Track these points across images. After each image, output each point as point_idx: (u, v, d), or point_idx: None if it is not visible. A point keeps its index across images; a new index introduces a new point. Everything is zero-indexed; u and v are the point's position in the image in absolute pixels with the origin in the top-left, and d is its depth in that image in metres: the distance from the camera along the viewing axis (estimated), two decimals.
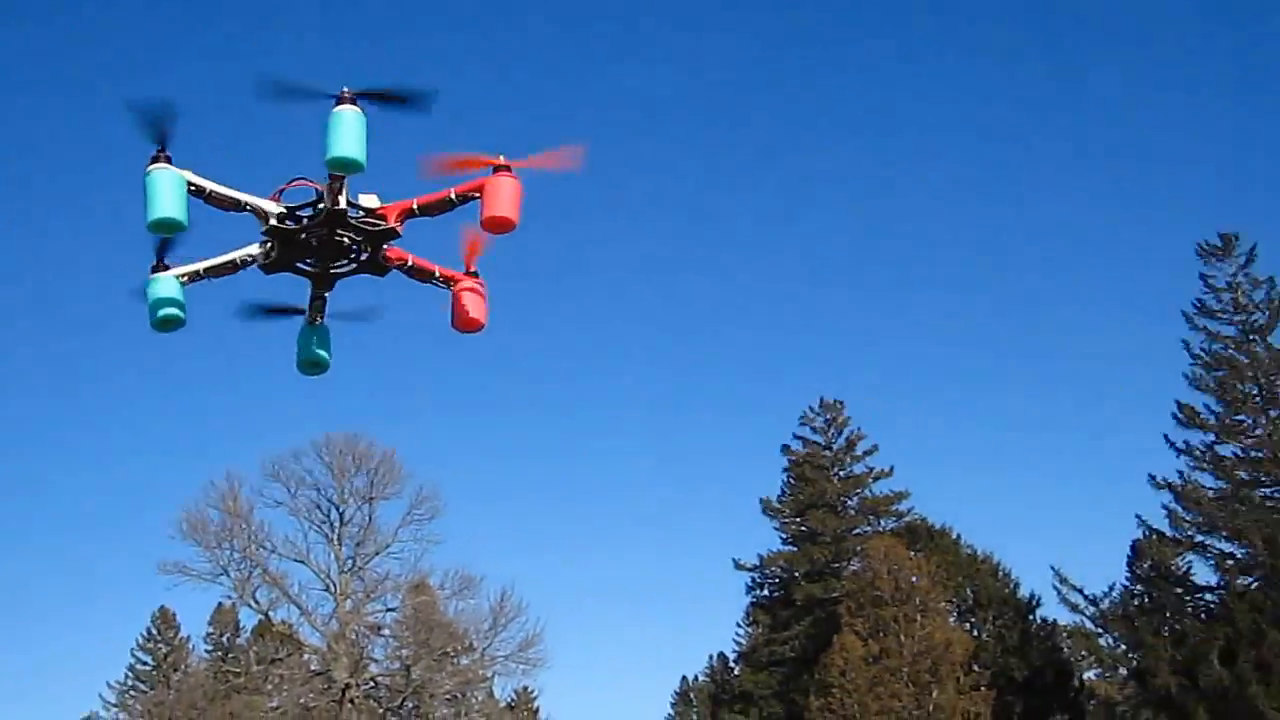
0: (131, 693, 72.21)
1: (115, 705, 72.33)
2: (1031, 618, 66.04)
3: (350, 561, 54.10)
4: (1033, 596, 66.39)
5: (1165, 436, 56.72)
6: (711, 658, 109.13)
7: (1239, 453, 56.46)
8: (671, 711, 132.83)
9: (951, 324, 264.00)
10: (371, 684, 54.54)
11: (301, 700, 53.15)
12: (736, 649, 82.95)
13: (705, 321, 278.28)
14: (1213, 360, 56.36)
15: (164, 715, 56.62)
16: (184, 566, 51.91)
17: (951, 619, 61.48)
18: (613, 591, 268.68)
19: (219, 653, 73.74)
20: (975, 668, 58.58)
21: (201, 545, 52.30)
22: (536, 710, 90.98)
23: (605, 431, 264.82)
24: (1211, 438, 56.31)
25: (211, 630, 77.66)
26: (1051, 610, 64.05)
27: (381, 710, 54.51)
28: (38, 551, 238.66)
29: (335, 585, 53.58)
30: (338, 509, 53.88)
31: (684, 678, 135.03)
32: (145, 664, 74.82)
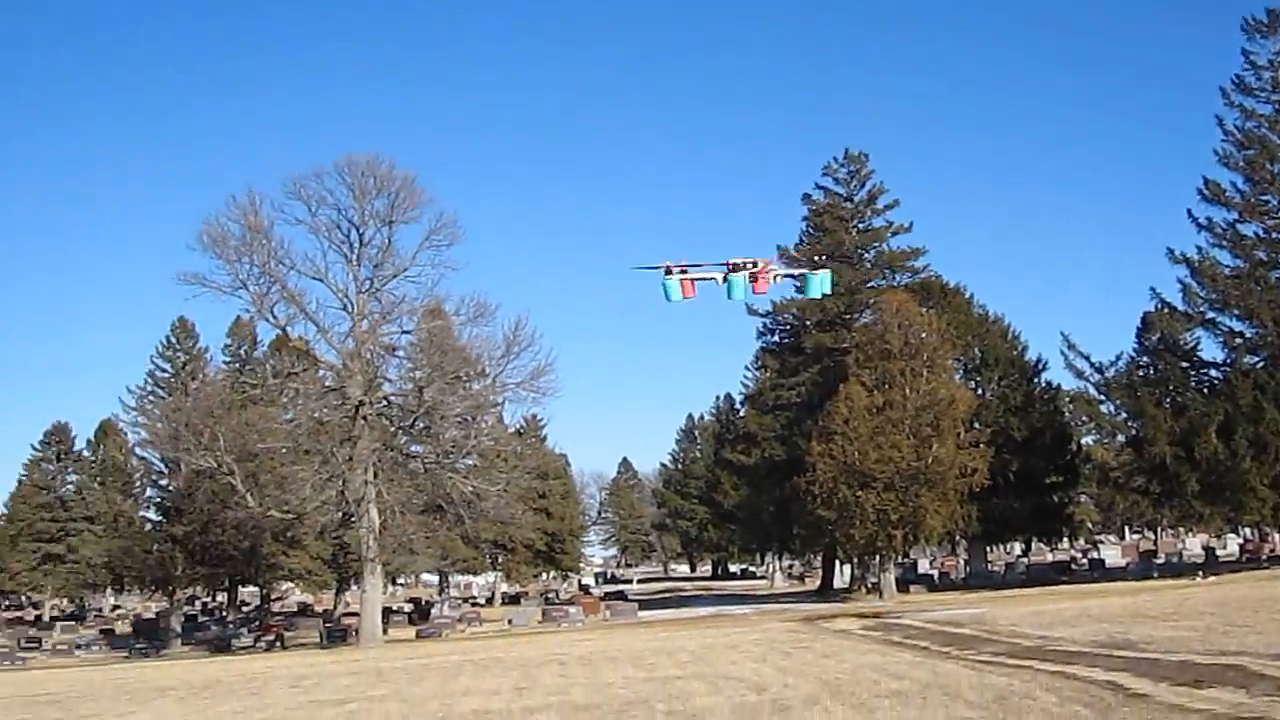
0: (150, 398, 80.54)
1: (134, 409, 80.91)
2: (1036, 380, 74.66)
3: (368, 282, 59.86)
4: (1039, 360, 75.43)
5: (1188, 211, 63.68)
6: (718, 398, 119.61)
7: (1260, 233, 63.15)
8: (676, 448, 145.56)
9: (980, 82, 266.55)
10: (385, 403, 61.64)
11: (315, 414, 60.39)
12: (743, 391, 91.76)
13: (741, 58, 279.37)
14: (1245, 138, 62.17)
15: (181, 421, 63.04)
16: (203, 278, 57.19)
17: (957, 376, 69.48)
18: (624, 329, 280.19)
19: (236, 364, 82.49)
20: (976, 425, 66.96)
21: (221, 258, 57.61)
22: (544, 438, 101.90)
23: (623, 162, 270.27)
24: (1234, 215, 63.01)
25: (229, 342, 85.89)
26: (1057, 375, 72.66)
27: (394, 428, 61.82)
28: (65, 253, 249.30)
29: (352, 305, 59.47)
30: (357, 230, 59.24)
31: (690, 416, 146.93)
32: (164, 371, 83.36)
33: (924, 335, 65.05)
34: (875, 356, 65.28)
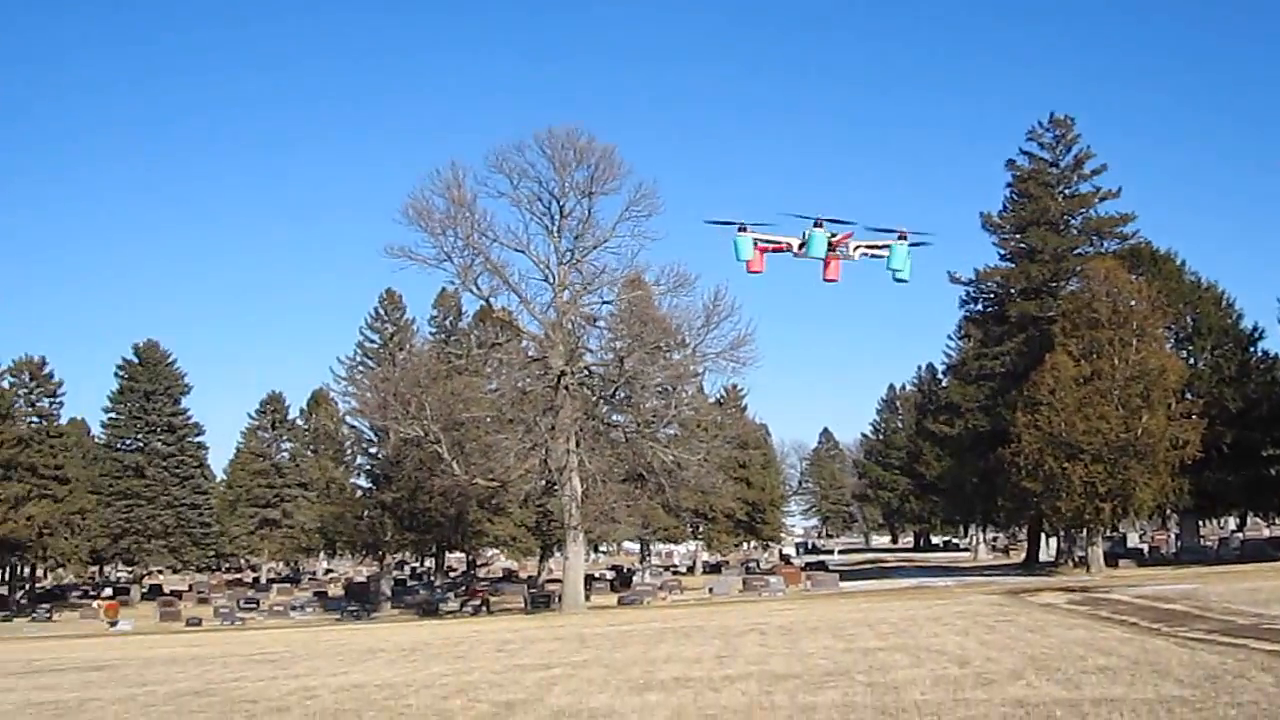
0: (360, 369, 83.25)
1: (344, 379, 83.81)
2: (1252, 350, 72.14)
3: (569, 253, 60.47)
4: (1256, 329, 72.71)
5: None
6: (920, 368, 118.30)
7: None
8: (877, 418, 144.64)
9: (1191, 44, 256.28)
10: (586, 372, 62.56)
11: (519, 384, 62.12)
12: (946, 361, 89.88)
13: (944, 24, 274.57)
14: None
15: (389, 391, 64.87)
16: (409, 251, 58.52)
17: (1168, 345, 67.20)
18: (824, 298, 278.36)
19: (441, 335, 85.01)
20: (1188, 396, 65.25)
21: (426, 231, 59.07)
22: (744, 407, 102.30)
23: (825, 135, 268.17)
24: None
25: (435, 313, 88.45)
26: (1275, 344, 70.23)
27: (595, 398, 62.79)
28: (282, 231, 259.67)
29: (554, 276, 60.21)
30: (558, 201, 59.81)
31: (891, 386, 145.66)
32: (373, 342, 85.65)
33: (1133, 303, 63.54)
34: (1082, 325, 63.81)
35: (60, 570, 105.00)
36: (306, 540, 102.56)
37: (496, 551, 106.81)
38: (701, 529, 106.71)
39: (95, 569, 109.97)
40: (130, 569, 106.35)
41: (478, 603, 68.12)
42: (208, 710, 17.74)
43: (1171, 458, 60.95)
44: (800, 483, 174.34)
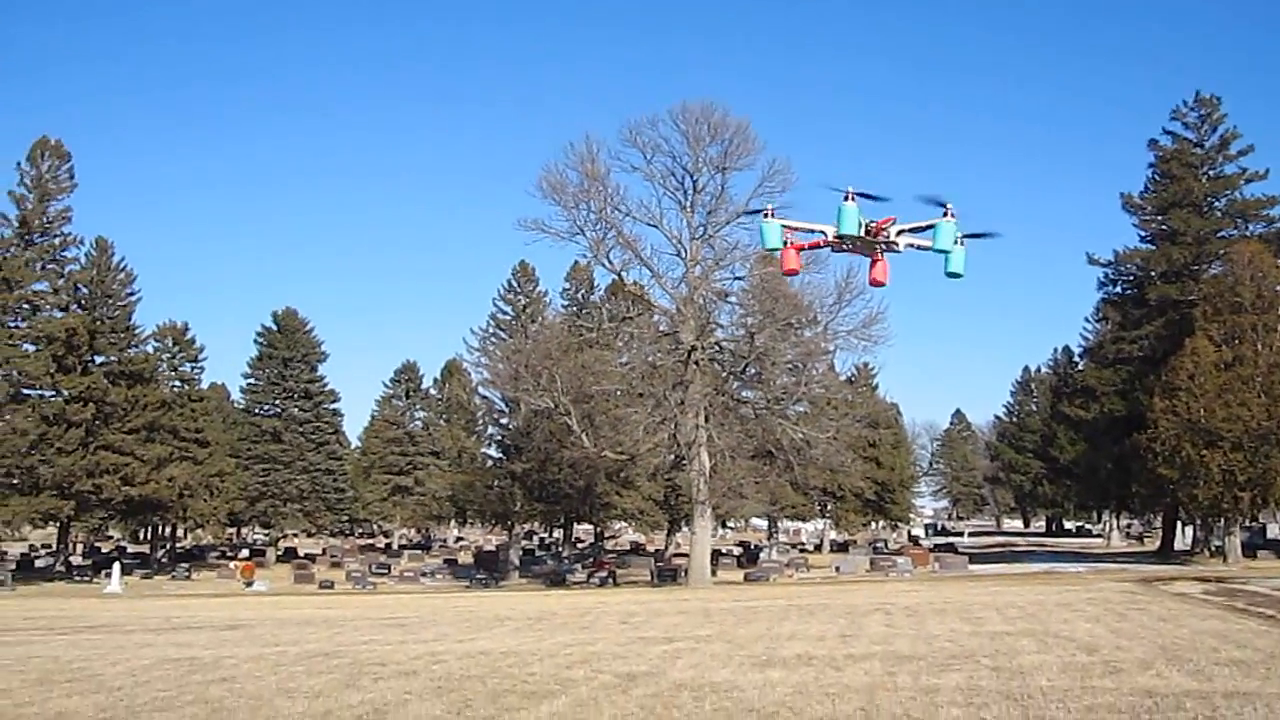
0: (492, 340, 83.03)
1: (477, 350, 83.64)
2: None
3: (701, 229, 60.72)
4: None
5: None
6: (1056, 351, 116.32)
7: None
8: (1011, 400, 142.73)
9: None
10: (716, 348, 62.76)
11: (649, 358, 62.41)
12: (1083, 344, 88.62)
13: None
14: None
15: (521, 362, 65.76)
16: (542, 224, 59.36)
17: None
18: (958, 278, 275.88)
19: (573, 308, 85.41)
20: None
21: (560, 205, 59.80)
22: (875, 386, 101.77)
23: (954, 112, 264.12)
24: None
25: (567, 286, 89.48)
26: None
27: (725, 374, 63.18)
28: (418, 202, 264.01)
29: (686, 251, 60.56)
30: (691, 176, 60.05)
31: (1026, 368, 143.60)
32: (505, 314, 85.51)
33: (1278, 288, 62.27)
34: (1224, 310, 62.62)
35: (199, 531, 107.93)
36: (437, 508, 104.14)
37: (624, 524, 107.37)
38: (829, 508, 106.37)
39: (233, 531, 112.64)
40: (266, 532, 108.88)
41: (604, 574, 68.54)
42: (336, 671, 18.09)
43: None
44: (931, 464, 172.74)
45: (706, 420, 59.08)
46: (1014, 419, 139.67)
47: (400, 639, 25.21)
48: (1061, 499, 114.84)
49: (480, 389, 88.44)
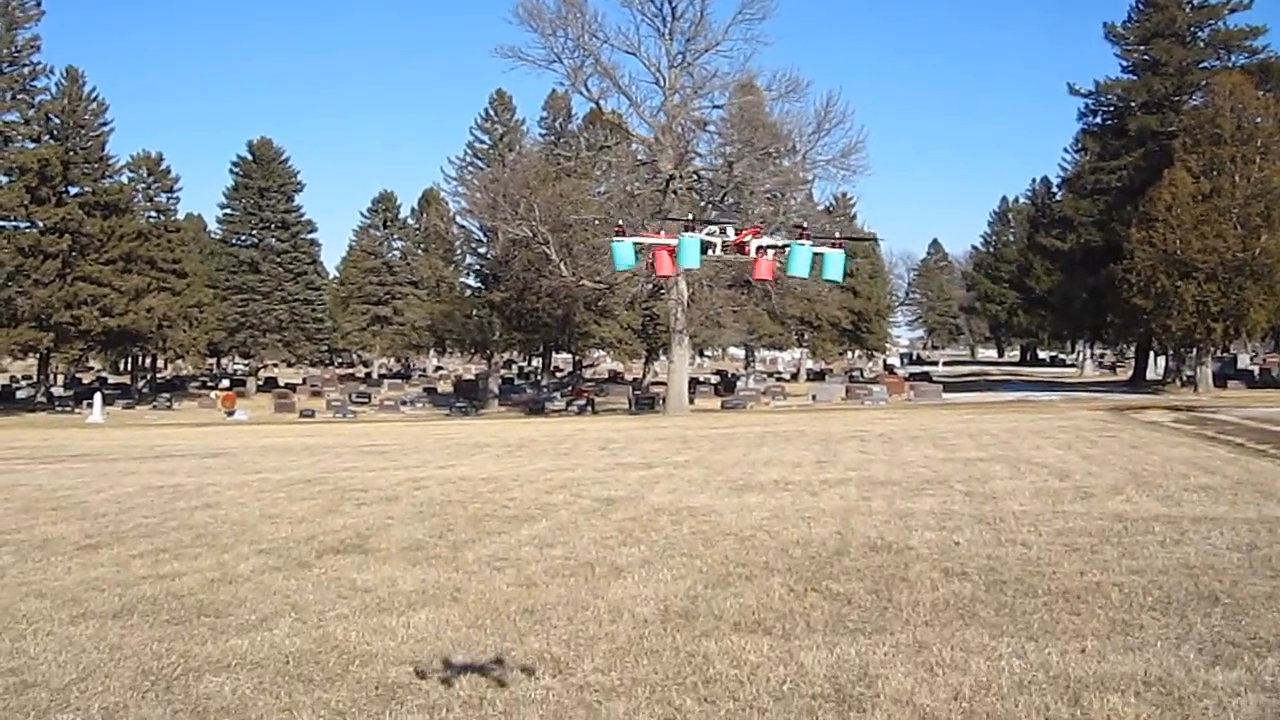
0: (470, 169, 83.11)
1: (455, 179, 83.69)
2: None
3: (680, 56, 60.06)
4: None
5: None
6: (1034, 181, 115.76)
7: None
8: (988, 231, 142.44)
9: None
10: (695, 177, 62.44)
11: (627, 187, 61.74)
12: (1061, 175, 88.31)
13: None
14: None
15: (499, 191, 65.30)
16: (520, 51, 58.88)
17: None
18: (937, 108, 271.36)
19: (551, 137, 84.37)
20: None
21: (537, 32, 59.15)
22: (854, 216, 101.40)
23: None
24: None
25: (545, 115, 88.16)
26: None
27: (703, 203, 61.98)
28: (395, 30, 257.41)
29: (664, 79, 60.00)
30: (670, 2, 59.24)
31: (1004, 198, 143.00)
32: (483, 143, 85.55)
33: (1259, 119, 61.47)
34: (1204, 141, 61.94)
35: (179, 362, 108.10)
36: (416, 337, 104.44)
37: (602, 353, 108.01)
38: (806, 337, 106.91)
39: (213, 361, 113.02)
40: (246, 362, 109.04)
41: (583, 402, 69.08)
42: (319, 497, 18.26)
43: None
44: (907, 293, 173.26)
45: None
46: (991, 249, 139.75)
47: (381, 465, 25.41)
48: (1036, 329, 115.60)
49: (458, 218, 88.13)
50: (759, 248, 5.19)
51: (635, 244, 6.40)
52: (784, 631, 8.39)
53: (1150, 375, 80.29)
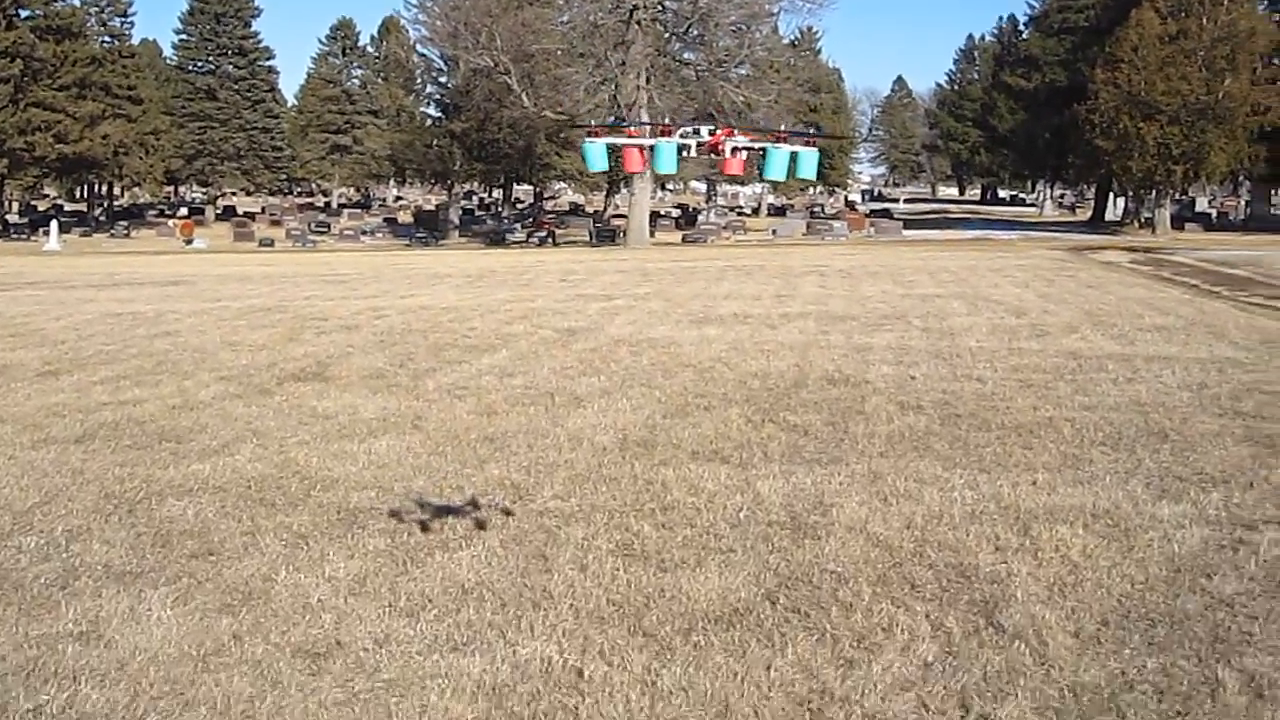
0: None
1: (415, 6, 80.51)
2: None
3: None
4: None
5: None
6: (1001, 19, 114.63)
7: None
8: (953, 68, 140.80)
9: None
10: (659, 7, 60.68)
11: (590, 17, 60.09)
12: (1028, 13, 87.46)
13: None
14: None
15: (460, 20, 63.87)
16: None
17: (1260, 7, 64.47)
18: None
19: None
20: (1275, 61, 62.50)
21: None
22: (819, 51, 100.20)
23: None
24: None
25: None
26: None
27: (667, 34, 61.45)
28: None
29: None
30: None
31: (970, 36, 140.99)
32: None
33: None
34: None
35: (137, 190, 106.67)
36: (376, 167, 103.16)
37: (564, 185, 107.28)
38: None
39: (170, 189, 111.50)
40: (205, 190, 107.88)
41: (544, 234, 68.81)
42: (279, 325, 18.22)
43: (1250, 123, 59.33)
44: (870, 130, 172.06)
45: (648, 81, 58.30)
46: (955, 87, 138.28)
47: (341, 294, 25.34)
48: (998, 168, 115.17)
49: (419, 47, 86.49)
50: (734, 149, 5.15)
51: (609, 145, 6.30)
52: (741, 461, 8.50)
53: (1109, 216, 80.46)
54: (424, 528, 6.83)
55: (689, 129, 4.85)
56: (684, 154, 4.88)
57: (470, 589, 5.80)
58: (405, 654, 5.02)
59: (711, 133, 4.96)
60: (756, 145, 5.02)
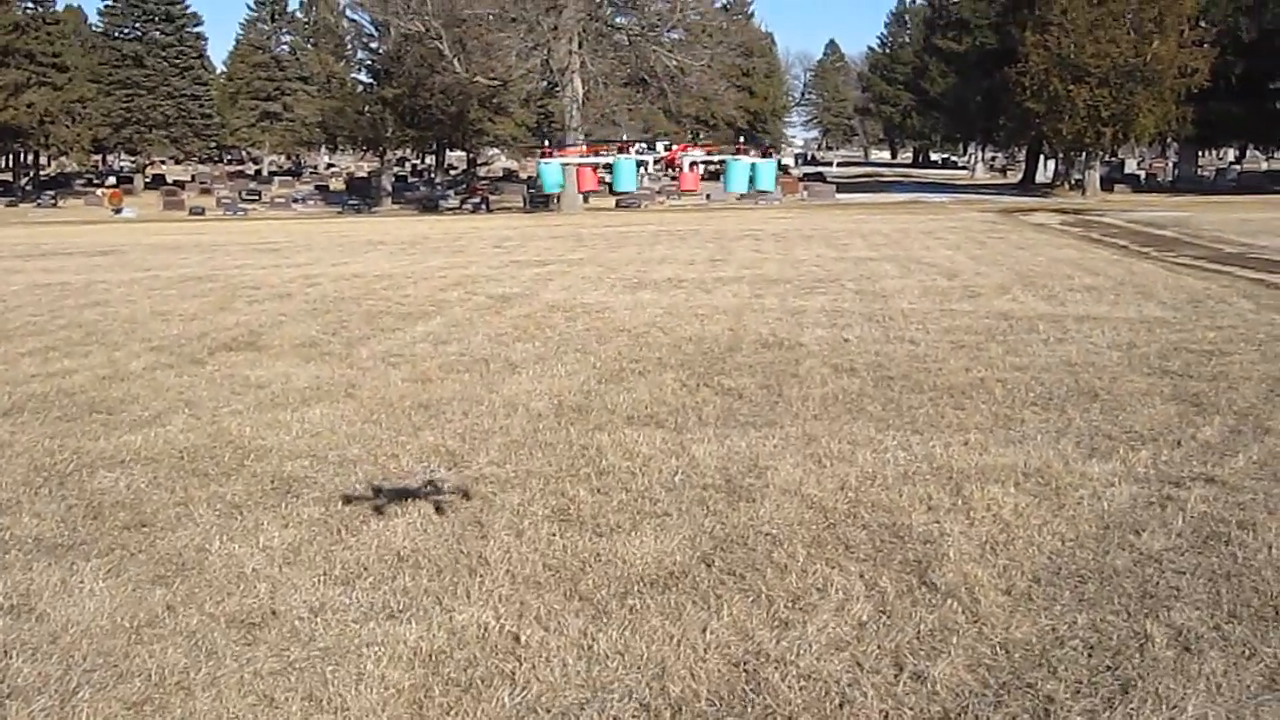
0: None
1: None
2: None
3: None
4: None
5: None
6: None
7: None
8: (885, 32, 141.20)
9: None
10: None
11: None
12: None
13: None
14: None
15: None
16: None
17: None
18: None
19: None
20: (1202, 23, 62.04)
21: None
22: (751, 15, 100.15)
23: None
24: None
25: None
26: None
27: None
28: None
29: None
30: None
31: (901, 0, 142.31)
32: None
33: None
34: None
35: (63, 159, 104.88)
36: (307, 134, 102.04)
37: (497, 151, 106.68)
38: (702, 136, 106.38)
39: (98, 158, 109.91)
40: (133, 159, 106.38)
41: (477, 200, 68.46)
42: (210, 295, 18.06)
43: (1178, 85, 59.51)
44: (803, 94, 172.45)
45: (580, 46, 58.18)
46: (887, 51, 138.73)
47: (274, 263, 25.16)
48: (929, 131, 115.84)
49: (348, 12, 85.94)
50: (690, 163, 5.14)
51: (563, 164, 6.25)
52: (676, 425, 8.52)
53: (1039, 178, 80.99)
54: (359, 496, 6.80)
55: (643, 144, 4.85)
56: (642, 170, 4.85)
57: (406, 556, 5.79)
58: (341, 622, 5.00)
59: (668, 148, 4.96)
60: (715, 159, 5.04)
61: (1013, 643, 4.70)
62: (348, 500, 6.72)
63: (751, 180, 6.56)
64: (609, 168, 6.71)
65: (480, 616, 5.01)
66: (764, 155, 4.87)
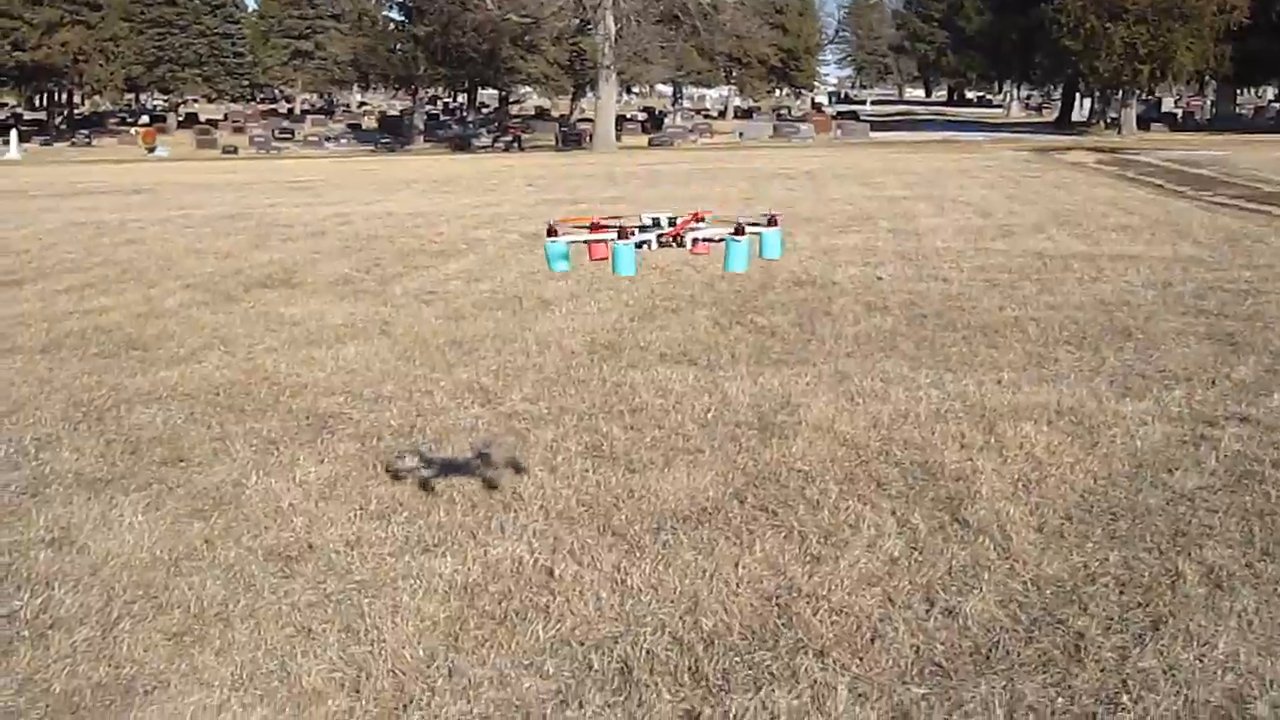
0: None
1: None
2: None
3: None
4: None
5: None
6: None
7: None
8: None
9: None
10: None
11: None
12: None
13: None
14: None
15: None
16: None
17: None
18: None
19: None
20: None
21: None
22: None
23: None
24: None
25: None
26: None
27: None
28: None
29: None
30: None
31: None
32: None
33: None
34: None
35: (97, 98, 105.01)
36: (339, 73, 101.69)
37: (529, 89, 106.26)
38: (735, 74, 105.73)
39: (131, 97, 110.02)
40: (166, 98, 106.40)
41: (509, 139, 68.28)
42: (244, 233, 18.11)
43: (1218, 22, 58.70)
44: (837, 32, 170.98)
45: None
46: None
47: (307, 201, 25.19)
48: (964, 69, 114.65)
49: None
50: (694, 239, 5.07)
51: (569, 243, 6.18)
52: (709, 363, 8.53)
53: (1075, 117, 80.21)
54: (394, 431, 6.85)
55: (648, 220, 4.75)
56: (646, 247, 4.76)
57: (441, 491, 5.83)
58: (377, 556, 5.05)
59: (672, 222, 4.88)
60: (718, 236, 4.93)
61: (1044, 579, 4.71)
62: (383, 436, 6.76)
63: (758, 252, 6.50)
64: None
65: (514, 551, 5.05)
66: (770, 224, 4.82)
